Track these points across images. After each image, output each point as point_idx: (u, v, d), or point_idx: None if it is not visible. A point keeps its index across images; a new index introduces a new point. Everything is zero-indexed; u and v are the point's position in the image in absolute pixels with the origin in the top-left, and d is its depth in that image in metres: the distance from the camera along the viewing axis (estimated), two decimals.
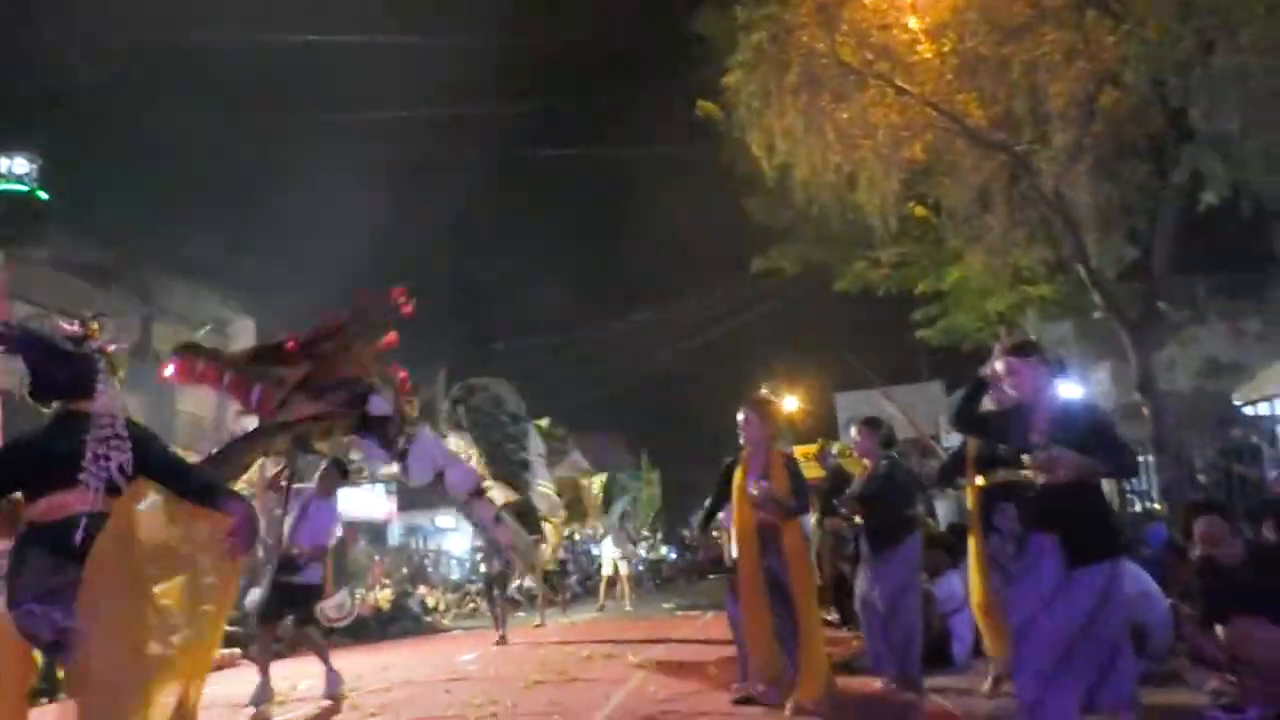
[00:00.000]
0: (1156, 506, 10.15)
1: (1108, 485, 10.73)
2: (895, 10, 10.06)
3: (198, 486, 3.52)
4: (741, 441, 5.76)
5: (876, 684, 6.33)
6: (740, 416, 5.73)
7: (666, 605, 16.62)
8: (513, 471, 10.98)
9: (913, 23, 10.30)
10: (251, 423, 7.45)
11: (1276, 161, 7.58)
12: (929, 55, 10.12)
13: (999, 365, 4.45)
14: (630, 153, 27.45)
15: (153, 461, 3.41)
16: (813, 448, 24.91)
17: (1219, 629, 4.82)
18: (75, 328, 3.37)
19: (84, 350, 3.35)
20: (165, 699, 3.32)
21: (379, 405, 8.01)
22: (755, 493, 5.55)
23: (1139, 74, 7.91)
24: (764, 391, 6.76)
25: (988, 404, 4.76)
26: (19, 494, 3.38)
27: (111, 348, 3.49)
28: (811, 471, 22.30)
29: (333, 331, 7.36)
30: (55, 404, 3.36)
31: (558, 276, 39.10)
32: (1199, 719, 4.82)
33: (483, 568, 12.81)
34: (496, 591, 12.43)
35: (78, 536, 3.12)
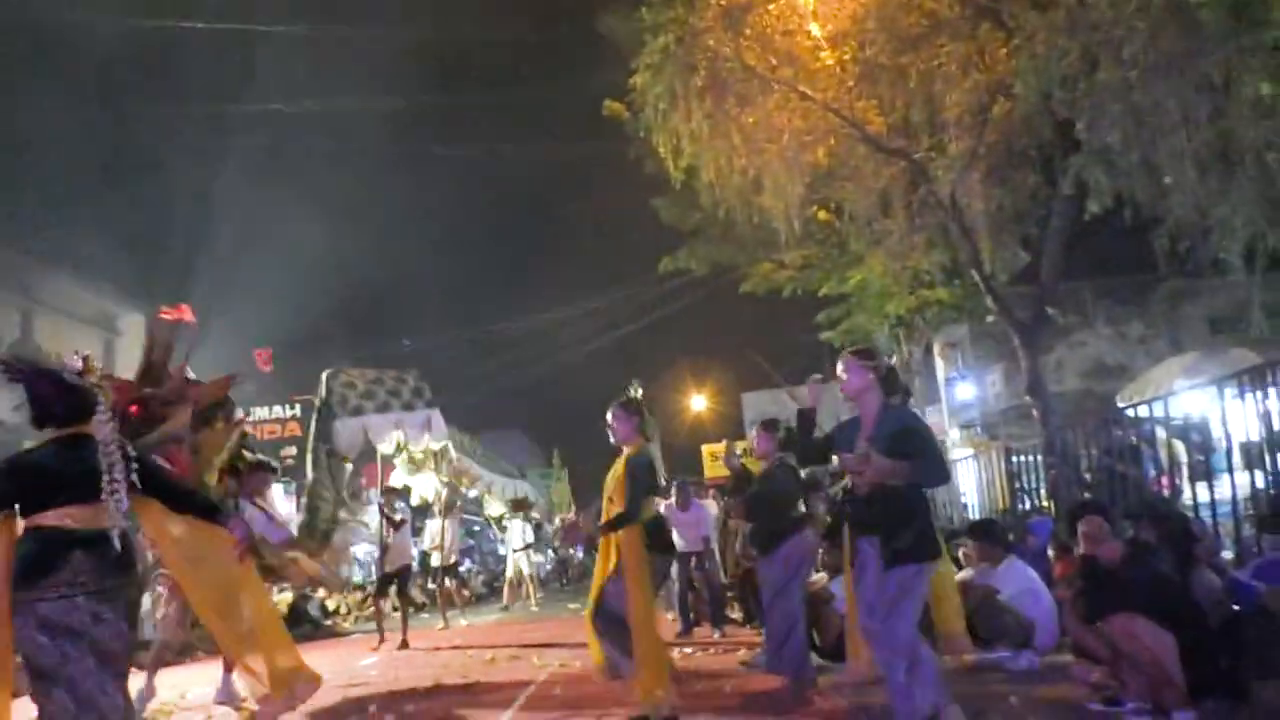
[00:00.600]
0: (1044, 504, 10.50)
1: (999, 484, 11.10)
2: (798, 17, 10.18)
3: (201, 503, 4.20)
4: (613, 441, 5.72)
5: (774, 682, 6.42)
6: (609, 416, 5.69)
7: (573, 605, 16.53)
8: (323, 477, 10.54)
9: (815, 29, 10.44)
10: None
11: (1156, 173, 7.92)
12: (830, 62, 10.28)
13: (839, 365, 4.65)
14: (541, 151, 27.25)
15: (154, 480, 3.92)
16: (720, 447, 25.19)
17: (1100, 625, 5.00)
18: (77, 362, 3.82)
19: (84, 382, 3.76)
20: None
21: None
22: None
23: (1028, 86, 8.18)
24: (632, 390, 6.70)
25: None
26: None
27: (103, 380, 4.03)
28: (718, 471, 22.41)
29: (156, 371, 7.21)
30: (50, 429, 3.71)
31: (469, 274, 38.61)
32: (1081, 711, 5.01)
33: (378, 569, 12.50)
34: (394, 593, 12.13)
35: (116, 546, 3.60)
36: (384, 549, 11.88)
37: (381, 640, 11.39)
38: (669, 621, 11.07)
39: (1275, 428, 6.86)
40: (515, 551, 17.66)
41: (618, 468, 5.56)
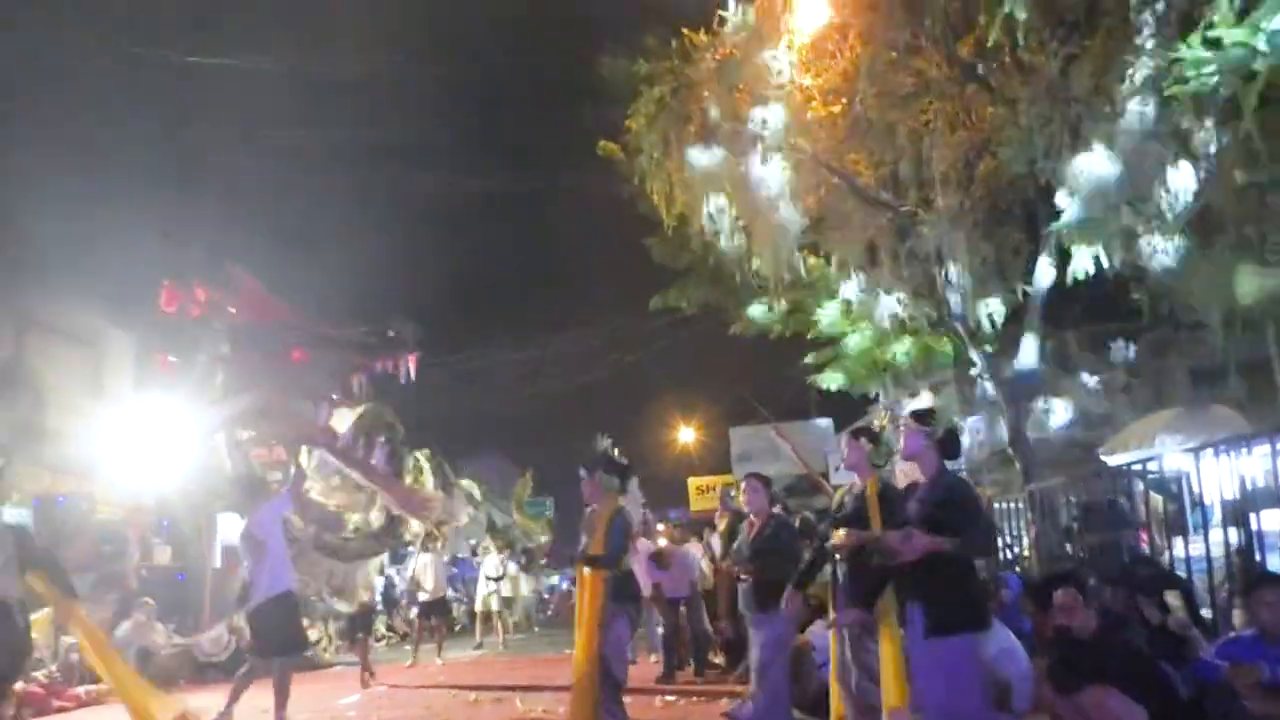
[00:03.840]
0: (1026, 554, 10.59)
1: None
2: (791, 70, 10.36)
3: None
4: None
5: None
6: (581, 478, 5.97)
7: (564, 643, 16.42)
8: None
9: (807, 81, 10.61)
10: None
11: (1133, 241, 8.10)
12: (821, 115, 10.45)
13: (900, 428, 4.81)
14: (535, 185, 27.40)
15: None
16: (707, 480, 25.25)
17: (1074, 696, 5.09)
18: None
19: None
20: None
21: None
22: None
23: (1013, 157, 8.34)
24: (599, 444, 6.76)
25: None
26: None
27: None
28: (706, 504, 22.23)
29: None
30: None
31: (459, 301, 38.73)
32: None
33: (343, 606, 12.34)
34: (361, 631, 12.14)
35: None
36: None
37: (372, 677, 11.39)
38: (651, 663, 11.13)
39: (1249, 490, 7.01)
40: (489, 582, 17.39)
41: (600, 520, 5.79)
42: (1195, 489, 8.81)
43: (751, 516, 6.96)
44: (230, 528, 15.11)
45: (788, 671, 6.54)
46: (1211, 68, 5.84)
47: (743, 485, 7.14)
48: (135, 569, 14.68)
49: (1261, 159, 6.41)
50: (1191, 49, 5.99)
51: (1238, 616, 5.99)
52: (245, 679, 7.69)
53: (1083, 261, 8.39)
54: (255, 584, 7.57)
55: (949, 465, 4.76)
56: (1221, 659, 4.84)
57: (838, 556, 5.48)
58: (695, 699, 8.69)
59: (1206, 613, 6.90)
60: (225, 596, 16.71)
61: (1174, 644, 5.47)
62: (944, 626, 4.34)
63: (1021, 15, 7.26)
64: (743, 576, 6.80)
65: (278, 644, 7.65)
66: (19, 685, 10.06)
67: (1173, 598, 5.87)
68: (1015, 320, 11.50)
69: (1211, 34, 5.89)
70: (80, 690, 10.95)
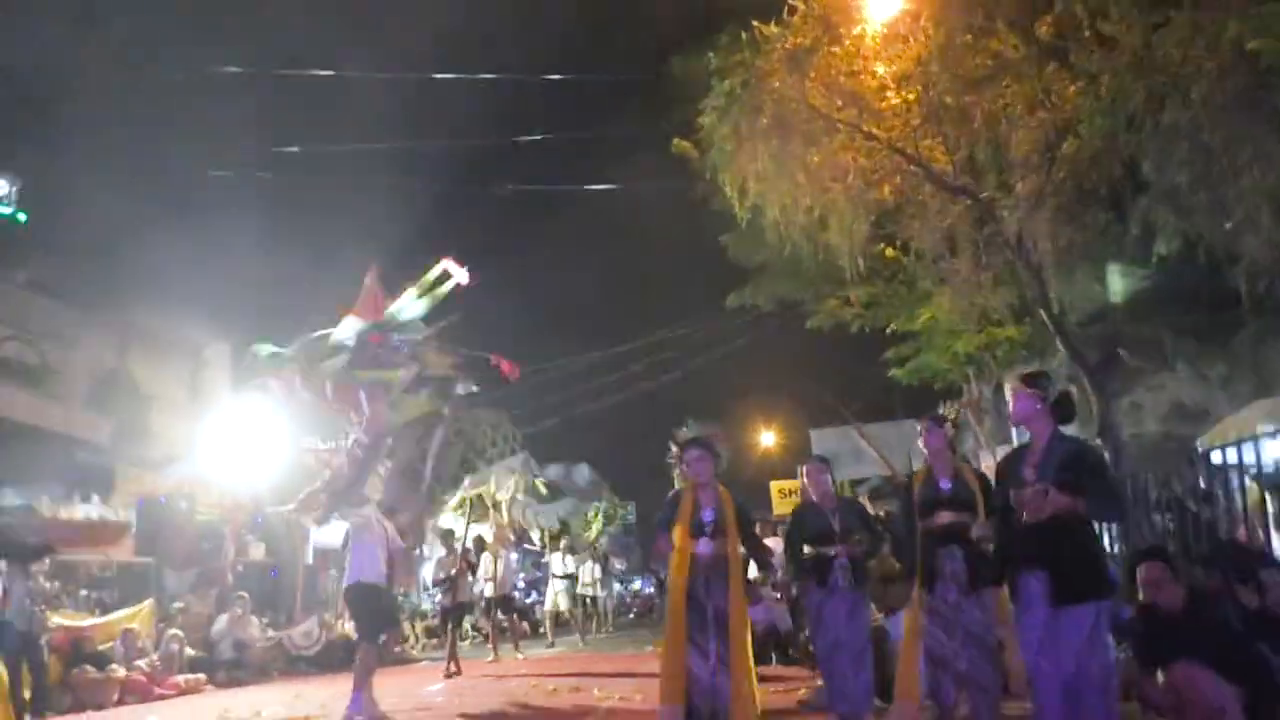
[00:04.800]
0: (1115, 545, 10.25)
1: None
2: (862, 59, 10.27)
3: None
4: (688, 477, 5.88)
5: None
6: (694, 454, 5.81)
7: (644, 641, 16.52)
8: None
9: (880, 69, 10.50)
10: None
11: (1226, 212, 7.78)
12: (895, 102, 10.33)
13: (1007, 391, 4.65)
14: (611, 188, 27.54)
15: None
16: (789, 484, 24.90)
17: (1160, 674, 4.92)
18: None
19: None
20: None
21: None
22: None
23: (1094, 128, 8.12)
24: (686, 431, 6.67)
25: None
26: None
27: None
28: (788, 507, 22.05)
29: None
30: None
31: (536, 308, 39.20)
32: None
33: (440, 599, 12.84)
34: (451, 624, 12.52)
35: None
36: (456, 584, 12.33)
37: (457, 670, 11.63)
38: None
39: None
40: (556, 580, 17.56)
41: (727, 503, 5.74)
42: None
43: (818, 502, 6.82)
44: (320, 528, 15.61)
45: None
46: None
47: (806, 470, 7.04)
48: (231, 565, 15.18)
49: None
50: None
51: None
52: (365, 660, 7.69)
53: (1170, 239, 8.09)
54: (358, 565, 7.76)
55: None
56: None
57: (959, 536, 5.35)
58: (773, 688, 8.60)
59: None
60: (316, 592, 17.24)
61: (1273, 627, 5.24)
62: (1075, 594, 4.19)
63: None
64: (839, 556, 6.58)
65: (362, 628, 7.89)
66: (122, 673, 10.54)
67: (1269, 577, 5.60)
68: (1103, 309, 11.18)
69: None
70: (180, 679, 11.34)
